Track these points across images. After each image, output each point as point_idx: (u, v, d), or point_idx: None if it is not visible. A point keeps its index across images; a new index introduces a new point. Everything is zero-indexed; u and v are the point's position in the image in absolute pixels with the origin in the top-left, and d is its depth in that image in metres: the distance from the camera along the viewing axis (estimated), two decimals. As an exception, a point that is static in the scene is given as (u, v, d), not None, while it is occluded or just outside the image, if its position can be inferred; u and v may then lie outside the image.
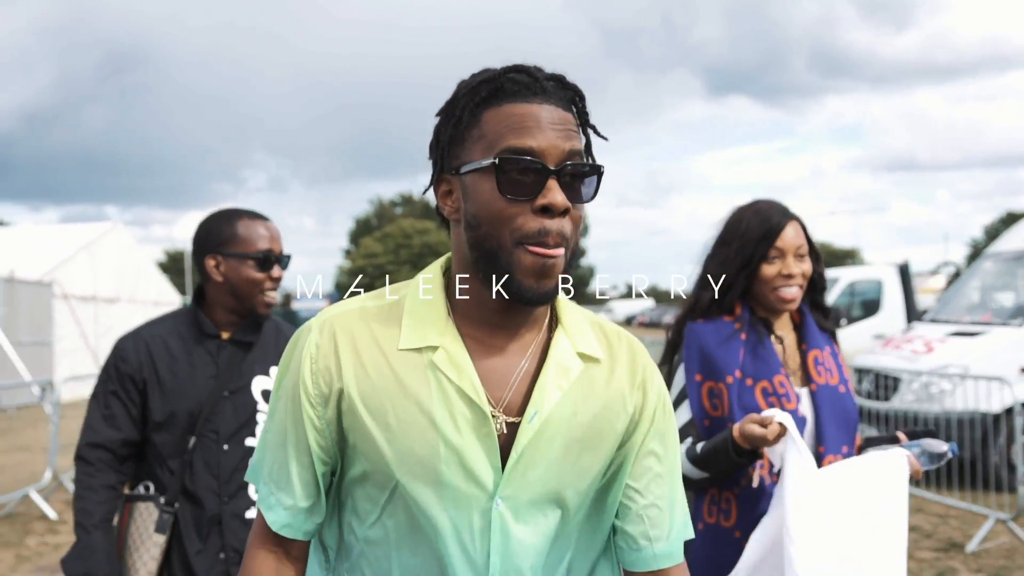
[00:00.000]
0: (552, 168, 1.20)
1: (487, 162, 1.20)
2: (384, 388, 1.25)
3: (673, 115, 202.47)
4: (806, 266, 2.28)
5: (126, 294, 19.92)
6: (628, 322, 66.75)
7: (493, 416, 1.24)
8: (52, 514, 7.19)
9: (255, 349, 2.50)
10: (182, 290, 31.40)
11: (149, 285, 21.75)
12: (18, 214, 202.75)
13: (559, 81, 1.27)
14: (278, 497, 1.32)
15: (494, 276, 1.22)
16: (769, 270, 2.25)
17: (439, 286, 1.31)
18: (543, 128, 1.21)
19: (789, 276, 2.25)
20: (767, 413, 2.09)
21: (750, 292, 2.32)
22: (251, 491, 2.43)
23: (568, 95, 1.27)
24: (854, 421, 2.32)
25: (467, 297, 1.29)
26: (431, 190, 1.33)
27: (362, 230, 74.43)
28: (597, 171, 1.26)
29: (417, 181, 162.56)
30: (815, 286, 2.38)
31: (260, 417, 2.49)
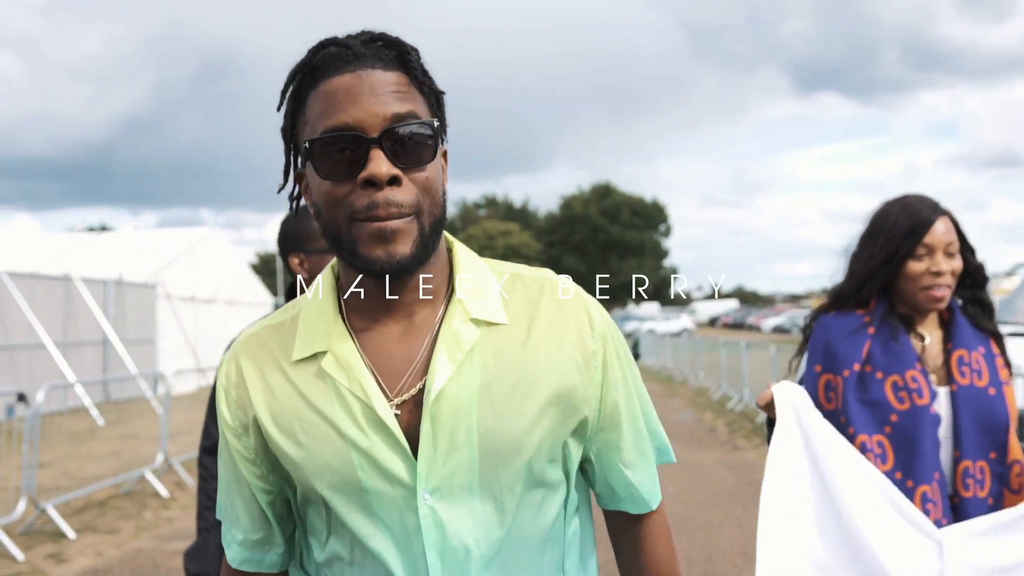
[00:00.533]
0: (372, 137, 1.11)
1: (307, 144, 1.15)
2: (289, 405, 1.20)
3: (760, 113, 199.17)
4: (956, 264, 2.19)
5: (222, 295, 21.15)
6: (712, 323, 66.26)
7: (390, 406, 1.17)
8: (164, 492, 8.12)
9: None
10: (273, 290, 32.77)
11: (243, 286, 23.01)
12: (119, 218, 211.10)
13: (380, 40, 1.18)
14: (232, 533, 1.30)
15: (347, 260, 1.16)
16: (916, 267, 2.17)
17: (329, 287, 1.25)
18: (357, 98, 1.12)
19: (938, 274, 2.16)
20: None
21: (893, 288, 2.25)
22: None
23: (393, 53, 1.17)
24: (1003, 427, 2.15)
25: (352, 286, 1.22)
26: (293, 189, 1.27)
27: (447, 231, 75.66)
28: (429, 127, 1.15)
29: (501, 183, 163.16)
30: (975, 281, 2.29)
31: None
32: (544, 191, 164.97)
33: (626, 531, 1.37)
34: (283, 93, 1.21)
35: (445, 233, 1.26)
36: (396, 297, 1.20)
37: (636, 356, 29.78)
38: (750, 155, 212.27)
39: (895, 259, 2.19)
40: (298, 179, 1.25)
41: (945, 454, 2.13)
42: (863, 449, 2.08)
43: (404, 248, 1.13)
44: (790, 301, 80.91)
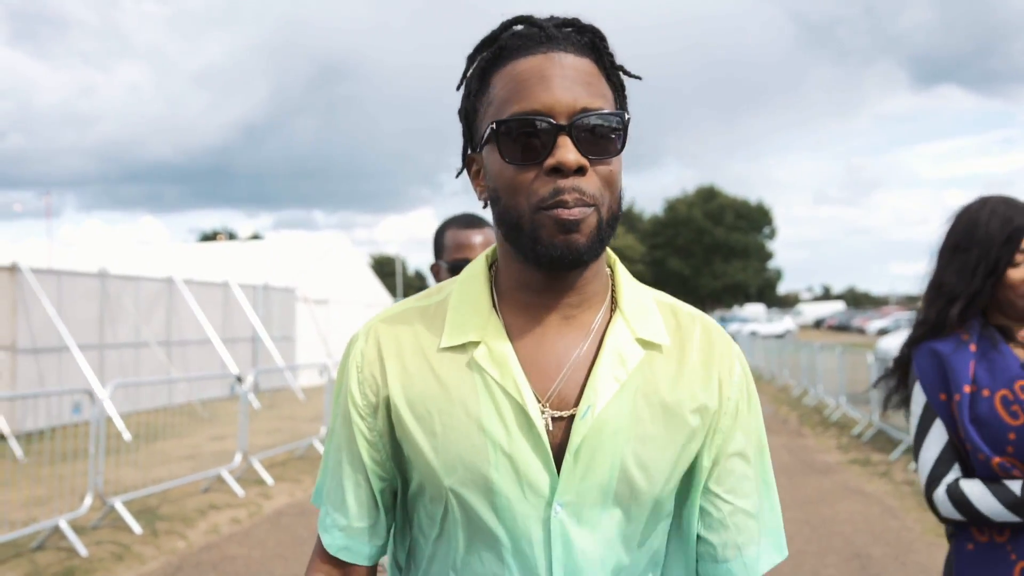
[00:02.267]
0: (562, 124, 1.06)
1: (488, 131, 1.10)
2: (429, 392, 1.15)
3: (876, 108, 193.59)
4: None
5: (347, 296, 23.60)
6: (817, 325, 66.03)
7: (542, 412, 1.12)
8: (270, 480, 9.45)
9: None
10: (392, 291, 35.27)
11: (366, 288, 25.46)
12: (236, 220, 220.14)
13: (572, 25, 1.13)
14: (334, 518, 1.24)
15: (524, 248, 1.10)
16: (1016, 274, 2.05)
17: (483, 277, 1.21)
18: (548, 82, 1.07)
19: None
20: None
21: (991, 300, 2.11)
22: None
23: (585, 40, 1.12)
24: None
25: (510, 282, 1.18)
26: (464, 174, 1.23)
27: None
28: (618, 120, 1.10)
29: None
30: None
31: None
32: (652, 190, 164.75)
33: None
34: (465, 71, 1.16)
35: (608, 248, 1.20)
36: (557, 294, 1.15)
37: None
38: (866, 151, 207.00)
39: (997, 270, 2.06)
40: (467, 164, 1.20)
41: None
42: (1002, 470, 1.95)
43: (583, 239, 1.07)
44: (905, 302, 79.47)
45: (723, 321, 51.45)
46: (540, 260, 1.10)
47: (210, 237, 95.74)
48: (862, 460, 9.69)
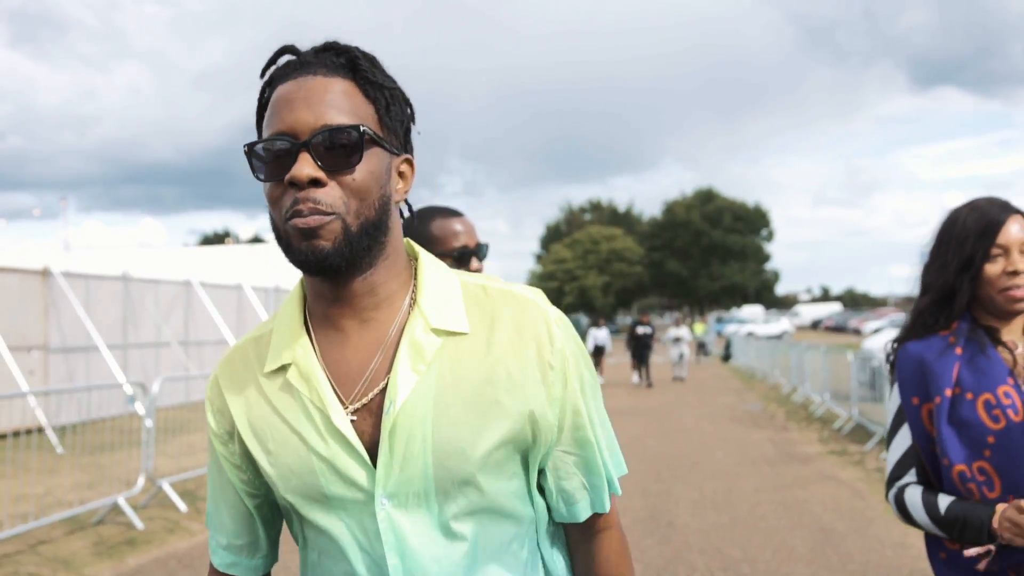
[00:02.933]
0: (301, 141, 1.14)
1: (245, 152, 1.19)
2: (262, 414, 1.24)
3: (875, 110, 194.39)
4: None
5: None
6: (814, 326, 66.78)
7: (347, 414, 1.19)
8: None
9: None
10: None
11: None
12: (237, 221, 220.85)
13: (329, 49, 1.21)
14: (217, 539, 1.34)
15: (288, 258, 1.18)
16: (993, 269, 2.05)
17: (297, 299, 1.28)
18: (292, 104, 1.15)
19: (1015, 273, 2.03)
20: None
21: (974, 299, 2.11)
22: None
23: (342, 60, 1.20)
24: None
25: (312, 297, 1.25)
26: None
27: (552, 236, 77.38)
28: (355, 132, 1.15)
29: (607, 184, 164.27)
30: None
31: None
32: (651, 191, 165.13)
33: (581, 542, 1.34)
34: (258, 100, 1.24)
35: (411, 243, 1.29)
36: (347, 301, 1.21)
37: (727, 357, 31.78)
38: (865, 153, 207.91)
39: (972, 264, 2.06)
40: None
41: None
42: (962, 480, 1.97)
43: (326, 244, 1.13)
44: (904, 304, 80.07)
45: (720, 322, 52.17)
46: (297, 266, 1.18)
47: (212, 239, 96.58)
48: (839, 451, 10.47)
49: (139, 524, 6.73)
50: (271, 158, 1.17)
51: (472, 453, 1.18)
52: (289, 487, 1.22)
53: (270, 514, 1.36)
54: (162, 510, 7.31)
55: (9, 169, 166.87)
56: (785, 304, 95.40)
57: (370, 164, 1.18)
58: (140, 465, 7.31)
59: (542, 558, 1.31)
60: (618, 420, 12.14)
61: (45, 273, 12.98)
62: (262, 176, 1.18)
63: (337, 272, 1.17)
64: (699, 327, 34.97)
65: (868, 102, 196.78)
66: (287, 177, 1.13)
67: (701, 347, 33.66)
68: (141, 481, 7.22)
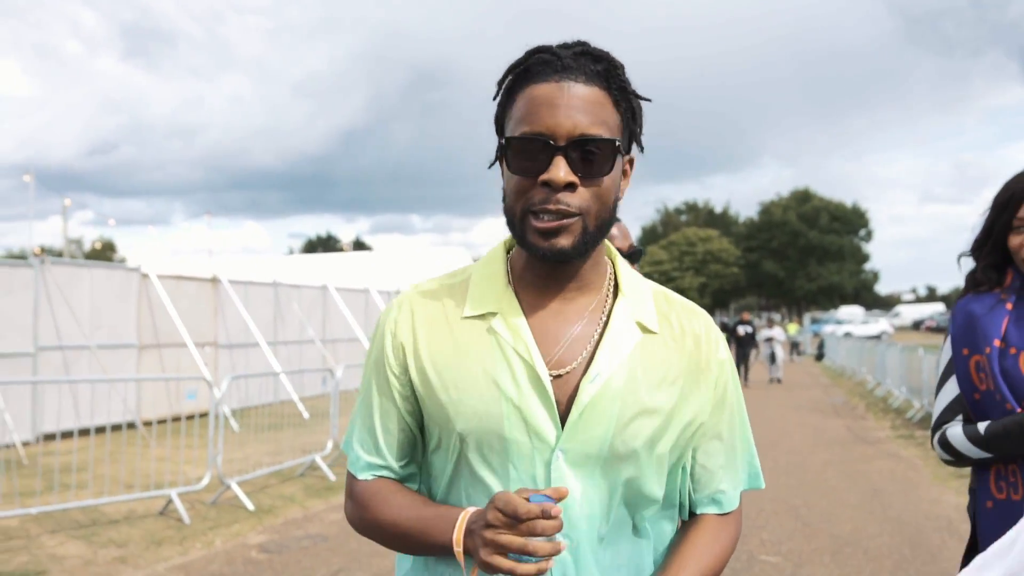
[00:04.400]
0: (560, 145, 1.24)
1: (504, 142, 1.30)
2: (452, 354, 1.34)
3: (985, 102, 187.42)
4: None
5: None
6: (916, 327, 65.98)
7: (551, 375, 1.30)
8: None
9: None
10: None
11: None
12: (336, 224, 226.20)
13: (589, 54, 1.29)
14: (367, 459, 1.42)
15: (518, 240, 1.31)
16: (1014, 240, 2.16)
17: (500, 259, 1.41)
18: (554, 109, 1.24)
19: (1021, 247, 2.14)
20: None
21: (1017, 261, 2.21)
22: None
23: (599, 68, 1.28)
24: None
25: (522, 266, 1.38)
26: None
27: (648, 238, 77.84)
28: (610, 146, 1.27)
29: (704, 183, 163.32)
30: None
31: None
32: (748, 190, 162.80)
33: (705, 529, 1.43)
34: (499, 87, 1.34)
35: (608, 244, 1.42)
36: (558, 279, 1.35)
37: (820, 356, 32.69)
38: (974, 147, 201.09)
39: (993, 232, 2.21)
40: (502, 162, 1.35)
41: None
42: None
43: (565, 242, 1.26)
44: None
45: (816, 323, 52.50)
46: (532, 254, 1.31)
47: (315, 244, 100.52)
48: (907, 435, 11.88)
49: (332, 476, 8.71)
50: (524, 154, 1.26)
51: (643, 437, 1.31)
52: (467, 425, 1.31)
53: (420, 447, 1.45)
54: (230, 509, 8.05)
55: (122, 177, 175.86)
56: (887, 304, 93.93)
57: (615, 172, 1.29)
58: (329, 432, 9.30)
59: (661, 533, 1.42)
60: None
61: (215, 280, 15.27)
62: (513, 168, 1.27)
63: (569, 263, 1.33)
64: (792, 327, 35.91)
65: (976, 94, 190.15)
66: (545, 177, 1.24)
67: (794, 347, 34.65)
68: (330, 444, 9.23)
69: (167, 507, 7.10)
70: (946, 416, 2.21)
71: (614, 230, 2.59)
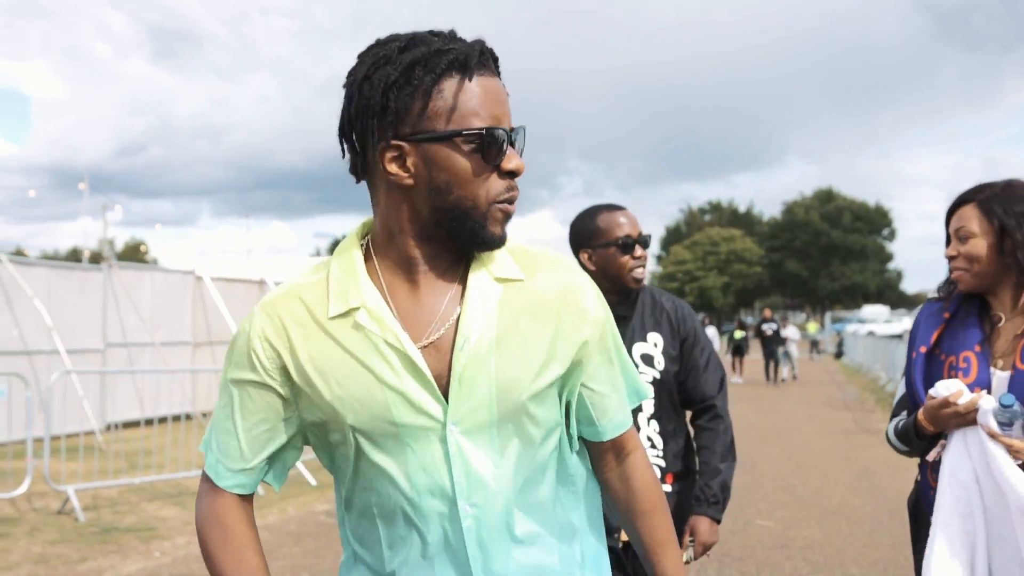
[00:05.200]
0: (511, 135, 1.32)
1: (471, 133, 1.27)
2: (328, 353, 1.33)
3: (1015, 98, 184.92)
4: (965, 248, 2.19)
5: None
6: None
7: (422, 348, 1.32)
8: None
9: (633, 319, 2.73)
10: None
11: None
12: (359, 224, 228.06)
13: (485, 47, 1.33)
14: (227, 464, 1.41)
15: (464, 232, 1.32)
16: (948, 251, 2.26)
17: (355, 250, 1.39)
18: (503, 102, 1.31)
19: (949, 258, 2.25)
20: (942, 385, 2.09)
21: None
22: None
23: (496, 66, 1.35)
24: None
25: (396, 253, 1.36)
26: (368, 155, 1.34)
27: (672, 237, 78.30)
28: (523, 133, 1.36)
29: (729, 182, 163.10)
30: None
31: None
32: (774, 188, 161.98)
33: (614, 466, 1.53)
34: (416, 72, 1.27)
35: None
36: (438, 261, 1.37)
37: (840, 354, 33.42)
38: (1004, 144, 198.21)
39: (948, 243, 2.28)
40: (384, 151, 1.30)
41: None
42: None
43: (505, 230, 1.36)
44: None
45: (838, 322, 53.02)
46: (477, 243, 1.33)
47: (339, 243, 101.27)
48: (908, 426, 12.73)
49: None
50: (489, 146, 1.29)
51: (527, 387, 1.35)
52: (357, 418, 1.32)
53: (294, 446, 1.45)
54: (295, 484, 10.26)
55: (151, 178, 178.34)
56: (914, 303, 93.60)
57: None
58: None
59: (567, 467, 1.47)
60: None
61: (261, 283, 16.38)
62: (488, 160, 1.29)
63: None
64: (812, 326, 36.72)
65: (1007, 90, 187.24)
66: (512, 167, 1.31)
67: (814, 345, 35.39)
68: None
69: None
70: (897, 410, 2.35)
71: (621, 217, 2.69)
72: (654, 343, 2.69)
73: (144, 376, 12.59)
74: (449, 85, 1.27)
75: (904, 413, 2.30)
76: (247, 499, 1.45)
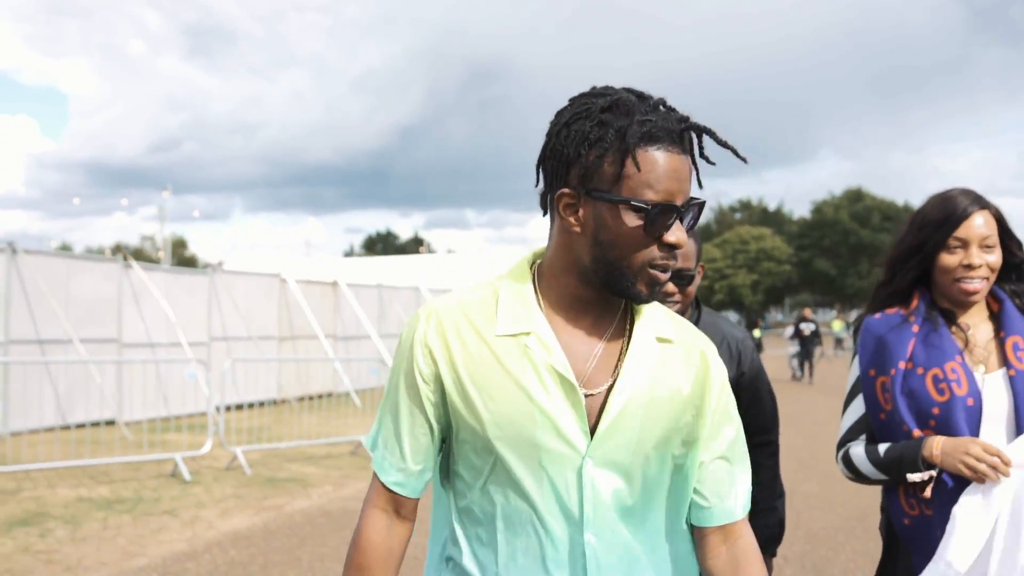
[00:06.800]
0: (681, 210, 1.36)
1: (639, 204, 1.34)
2: (486, 368, 1.41)
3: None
4: (992, 258, 2.14)
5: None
6: (967, 323, 66.51)
7: (581, 390, 1.40)
8: None
9: None
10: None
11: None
12: (391, 219, 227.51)
13: (688, 125, 1.38)
14: (391, 460, 1.49)
15: (616, 284, 1.40)
16: (950, 260, 2.15)
17: (528, 278, 1.48)
18: (681, 181, 1.36)
19: (970, 267, 2.13)
20: (980, 449, 1.99)
21: (932, 282, 2.23)
22: None
23: (688, 143, 1.39)
24: None
25: (557, 287, 1.45)
26: (549, 196, 1.44)
27: (703, 235, 77.88)
28: (701, 207, 1.42)
29: (761, 178, 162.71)
30: (1014, 275, 2.23)
31: None
32: (807, 184, 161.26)
33: (721, 551, 1.53)
34: (610, 134, 1.35)
35: None
36: (595, 305, 1.46)
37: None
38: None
39: (924, 249, 2.18)
40: (557, 192, 1.40)
41: (1011, 439, 2.06)
42: None
43: (659, 296, 1.43)
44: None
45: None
46: (625, 297, 1.42)
47: (375, 239, 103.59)
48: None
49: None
50: (656, 216, 1.34)
51: (665, 443, 1.46)
52: (501, 432, 1.40)
53: (438, 449, 1.53)
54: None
55: (186, 173, 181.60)
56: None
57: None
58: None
59: (681, 528, 1.55)
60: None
61: (334, 284, 18.40)
62: (648, 231, 1.35)
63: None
64: (836, 324, 38.17)
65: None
66: (674, 240, 1.37)
67: (838, 342, 36.94)
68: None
69: (357, 448, 10.21)
70: (850, 435, 2.28)
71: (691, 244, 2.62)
72: None
73: (256, 364, 14.60)
74: (638, 154, 1.33)
75: (862, 438, 2.26)
76: (407, 504, 1.51)
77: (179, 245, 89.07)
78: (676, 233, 1.37)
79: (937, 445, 2.04)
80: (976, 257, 2.12)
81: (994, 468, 1.95)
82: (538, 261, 1.52)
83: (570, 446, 1.39)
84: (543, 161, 1.44)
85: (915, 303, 2.24)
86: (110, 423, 11.50)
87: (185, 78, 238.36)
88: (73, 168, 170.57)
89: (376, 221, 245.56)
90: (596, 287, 1.43)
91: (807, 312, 24.14)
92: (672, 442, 1.47)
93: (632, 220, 1.35)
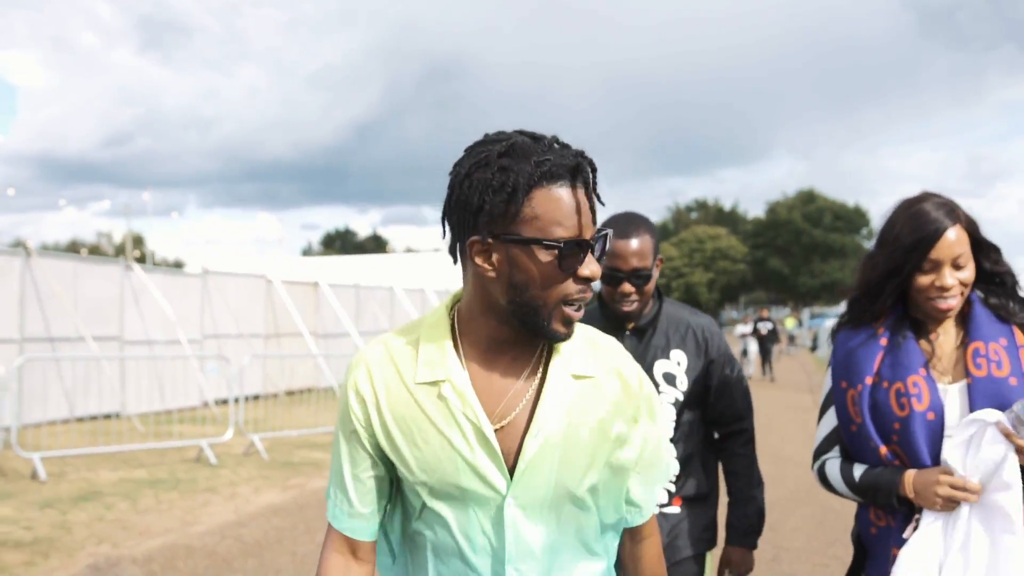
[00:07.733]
0: (591, 244, 1.41)
1: (551, 243, 1.37)
2: (410, 415, 1.47)
3: (999, 96, 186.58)
4: (965, 274, 2.09)
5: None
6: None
7: (495, 431, 1.45)
8: None
9: (655, 336, 2.60)
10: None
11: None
12: (348, 216, 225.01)
13: (582, 159, 1.41)
14: (342, 508, 1.55)
15: (532, 324, 1.44)
16: (923, 280, 2.10)
17: (446, 323, 1.52)
18: (586, 214, 1.39)
19: (943, 288, 2.08)
20: (951, 474, 1.99)
21: (906, 295, 2.18)
22: None
23: (585, 177, 1.41)
24: None
25: (475, 329, 1.49)
26: (459, 245, 1.46)
27: (660, 235, 79.29)
28: (606, 238, 1.45)
29: (716, 176, 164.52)
30: (993, 281, 2.18)
31: (662, 398, 2.55)
32: (761, 183, 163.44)
33: (632, 546, 1.68)
34: (511, 179, 1.36)
35: None
36: (514, 346, 1.49)
37: (814, 348, 36.48)
38: (988, 141, 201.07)
39: (901, 273, 2.12)
40: (473, 244, 1.42)
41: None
42: (886, 461, 2.10)
43: (575, 329, 1.50)
44: None
45: (816, 318, 56.01)
46: (541, 336, 1.45)
47: (334, 237, 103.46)
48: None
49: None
50: (568, 254, 1.39)
51: (584, 479, 1.50)
52: (428, 477, 1.46)
53: (389, 489, 1.58)
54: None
55: (138, 168, 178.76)
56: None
57: None
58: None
59: (604, 547, 1.61)
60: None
61: (315, 285, 19.26)
62: (564, 267, 1.39)
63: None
64: (790, 321, 39.72)
65: (991, 88, 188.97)
66: (588, 274, 1.41)
67: (791, 339, 38.48)
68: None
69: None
70: (825, 446, 2.28)
71: (618, 246, 2.53)
72: (677, 361, 2.60)
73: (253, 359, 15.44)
74: (539, 195, 1.37)
75: (836, 449, 2.26)
76: (363, 546, 1.56)
77: (138, 242, 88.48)
78: (590, 266, 1.42)
79: (909, 483, 2.04)
80: (948, 278, 2.08)
81: (965, 500, 1.98)
82: (458, 304, 1.55)
83: (491, 488, 1.45)
84: (448, 213, 1.46)
85: (885, 315, 2.22)
86: (116, 416, 12.38)
87: (139, 72, 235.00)
88: (21, 162, 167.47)
89: (334, 218, 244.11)
90: (515, 327, 1.47)
91: (764, 312, 25.15)
92: (595, 474, 1.52)
93: (545, 258, 1.38)
